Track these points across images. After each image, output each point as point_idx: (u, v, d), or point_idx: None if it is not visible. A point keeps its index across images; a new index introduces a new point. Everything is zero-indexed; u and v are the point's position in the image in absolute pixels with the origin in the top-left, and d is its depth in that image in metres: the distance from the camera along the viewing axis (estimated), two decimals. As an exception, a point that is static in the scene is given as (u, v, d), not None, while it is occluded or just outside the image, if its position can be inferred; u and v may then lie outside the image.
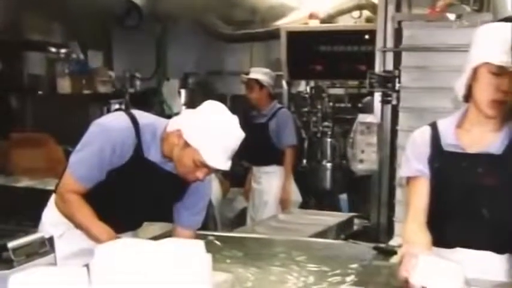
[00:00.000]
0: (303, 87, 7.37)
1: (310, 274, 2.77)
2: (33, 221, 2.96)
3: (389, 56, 5.00)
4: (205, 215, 2.96)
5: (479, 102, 2.38)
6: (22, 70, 6.52)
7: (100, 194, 2.68)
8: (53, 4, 6.27)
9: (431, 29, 4.73)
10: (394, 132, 5.00)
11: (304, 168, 6.71)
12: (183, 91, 7.85)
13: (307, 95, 7.19)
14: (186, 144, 2.61)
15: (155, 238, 2.79)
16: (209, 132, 2.57)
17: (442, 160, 2.43)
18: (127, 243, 2.05)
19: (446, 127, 2.46)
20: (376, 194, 5.16)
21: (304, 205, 5.81)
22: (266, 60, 7.51)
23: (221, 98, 5.92)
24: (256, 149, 5.36)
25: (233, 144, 2.61)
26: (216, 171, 2.71)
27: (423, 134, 2.49)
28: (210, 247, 2.06)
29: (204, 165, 2.62)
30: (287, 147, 5.58)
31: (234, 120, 2.63)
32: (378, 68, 5.02)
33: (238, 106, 5.79)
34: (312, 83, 7.22)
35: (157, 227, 3.42)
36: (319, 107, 7.02)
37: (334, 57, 6.56)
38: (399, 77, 4.92)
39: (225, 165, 2.62)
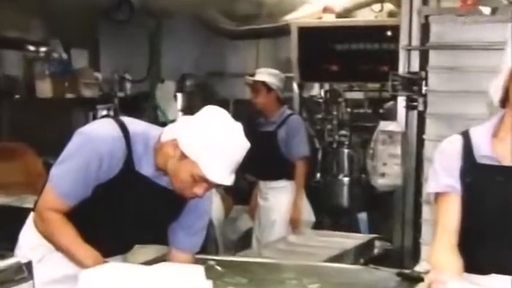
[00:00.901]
0: (317, 90, 7.38)
1: (324, 304, 2.77)
2: (9, 243, 2.96)
3: (415, 55, 5.01)
4: (205, 236, 2.96)
5: (517, 107, 2.38)
6: (-4, 71, 6.54)
7: (85, 213, 2.68)
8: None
9: (462, 24, 4.73)
10: (420, 142, 5.00)
11: (318, 183, 6.71)
12: (179, 95, 7.87)
13: (321, 100, 7.21)
14: (183, 156, 2.61)
15: (148, 263, 2.80)
16: (209, 142, 2.57)
17: (475, 174, 2.42)
18: (116, 268, 2.06)
19: (480, 136, 2.46)
20: (400, 213, 5.16)
21: (317, 225, 5.81)
22: (274, 60, 7.52)
23: (223, 103, 5.92)
24: (263, 161, 5.37)
25: (237, 156, 2.62)
26: (217, 186, 2.72)
27: (453, 144, 2.49)
28: (210, 273, 2.07)
29: (204, 180, 2.62)
30: (298, 159, 5.59)
31: (238, 128, 2.63)
32: (401, 69, 5.03)
33: (243, 112, 5.80)
34: (327, 86, 7.23)
35: (150, 250, 3.42)
36: (334, 113, 7.03)
37: (352, 57, 6.58)
38: (426, 79, 4.93)
39: (228, 179, 2.62)
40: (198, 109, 2.68)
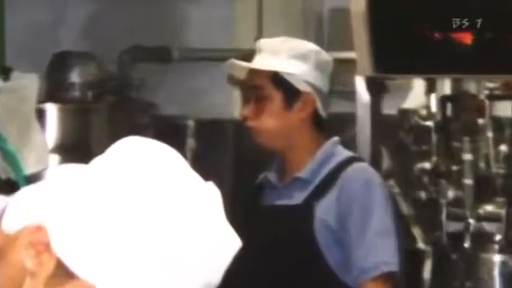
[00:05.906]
0: (420, 97, 7.47)
1: None
2: None
3: None
4: None
5: None
6: None
7: None
8: None
9: None
10: None
11: None
12: (52, 108, 7.95)
13: (431, 123, 7.27)
14: (61, 272, 2.63)
15: None
16: (132, 238, 2.59)
17: None
18: None
19: None
20: None
21: None
22: (301, 19, 7.63)
23: (171, 129, 5.97)
24: (277, 285, 5.44)
25: (204, 273, 2.64)
26: None
27: None
28: None
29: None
30: (369, 280, 5.65)
31: (209, 198, 2.66)
32: None
33: (222, 153, 5.84)
34: (447, 87, 7.31)
35: None
36: (467, 157, 7.09)
37: (503, 16, 6.66)
38: None
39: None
40: (104, 147, 2.70)
